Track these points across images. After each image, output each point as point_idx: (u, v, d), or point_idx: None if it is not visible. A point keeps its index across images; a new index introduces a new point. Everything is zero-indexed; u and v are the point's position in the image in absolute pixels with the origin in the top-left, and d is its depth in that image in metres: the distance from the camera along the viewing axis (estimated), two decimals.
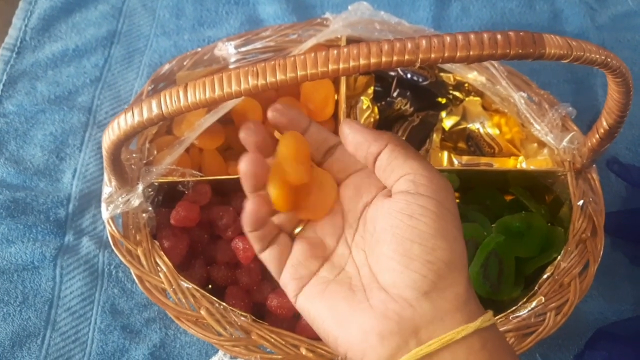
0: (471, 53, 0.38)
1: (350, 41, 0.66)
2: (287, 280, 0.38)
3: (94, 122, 0.73)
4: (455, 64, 0.65)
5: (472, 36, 0.38)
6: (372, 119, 0.66)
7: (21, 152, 0.71)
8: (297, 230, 0.39)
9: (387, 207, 0.36)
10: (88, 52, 0.78)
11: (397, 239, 0.34)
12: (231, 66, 0.66)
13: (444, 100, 0.69)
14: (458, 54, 0.38)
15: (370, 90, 0.67)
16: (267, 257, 0.38)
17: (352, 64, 0.38)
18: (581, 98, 0.78)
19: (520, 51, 0.39)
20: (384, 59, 0.38)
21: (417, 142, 0.66)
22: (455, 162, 0.66)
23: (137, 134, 0.43)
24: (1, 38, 0.78)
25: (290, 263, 0.38)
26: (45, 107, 0.74)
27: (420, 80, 0.67)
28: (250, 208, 0.37)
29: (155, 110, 0.40)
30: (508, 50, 0.39)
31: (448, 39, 0.38)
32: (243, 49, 0.66)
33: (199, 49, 0.65)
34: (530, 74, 0.69)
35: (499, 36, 0.39)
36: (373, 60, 0.38)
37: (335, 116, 0.66)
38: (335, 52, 0.38)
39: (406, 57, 0.38)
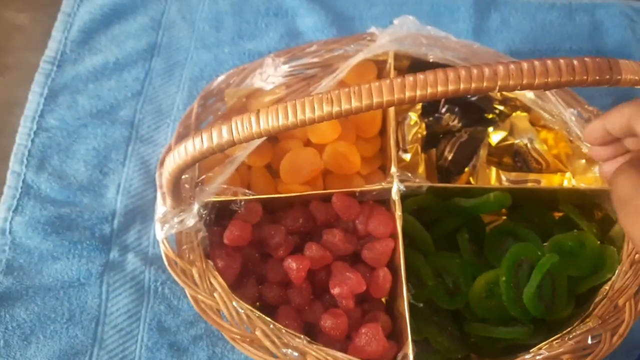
0: (549, 80, 0.38)
1: (397, 56, 0.66)
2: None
3: (137, 136, 0.73)
4: None
5: (549, 62, 0.38)
6: (419, 135, 0.66)
7: (64, 167, 0.71)
8: None
9: None
10: (128, 65, 0.78)
11: None
12: (269, 85, 0.65)
13: (491, 116, 0.68)
14: (536, 81, 0.38)
15: (419, 106, 0.66)
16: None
17: (429, 90, 0.37)
18: None
19: (597, 78, 0.38)
20: (462, 85, 0.37)
21: (465, 157, 0.66)
22: (504, 178, 0.65)
23: (203, 160, 0.43)
24: (41, 50, 0.78)
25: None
26: (87, 121, 0.74)
27: (469, 95, 0.66)
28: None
29: (226, 137, 0.40)
30: (585, 77, 0.38)
31: (525, 65, 0.38)
32: (289, 65, 0.66)
33: (246, 65, 0.65)
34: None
35: (575, 62, 0.38)
36: (451, 87, 0.37)
37: (382, 132, 0.66)
38: (411, 78, 0.38)
39: (485, 84, 0.37)
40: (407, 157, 0.64)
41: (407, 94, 0.38)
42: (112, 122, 0.74)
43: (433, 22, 0.83)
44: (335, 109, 0.39)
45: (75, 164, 0.71)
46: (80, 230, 0.67)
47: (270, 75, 0.65)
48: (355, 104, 0.38)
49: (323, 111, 0.39)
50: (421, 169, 0.65)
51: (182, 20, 0.81)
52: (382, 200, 0.61)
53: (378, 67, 0.67)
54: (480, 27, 0.83)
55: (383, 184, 0.59)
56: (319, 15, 0.81)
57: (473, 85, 0.38)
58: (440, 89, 0.38)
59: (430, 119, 0.66)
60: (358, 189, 0.59)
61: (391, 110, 0.63)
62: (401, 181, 0.59)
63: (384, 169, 0.65)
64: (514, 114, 0.68)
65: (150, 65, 0.78)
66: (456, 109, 0.66)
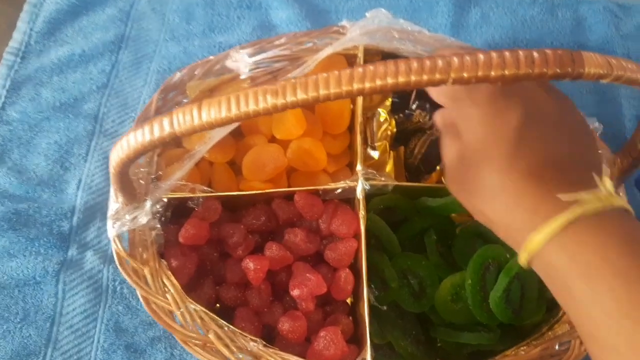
0: (506, 72, 0.35)
1: (368, 50, 0.64)
2: None
3: (100, 130, 0.71)
4: None
5: (507, 54, 0.35)
6: (389, 132, 0.63)
7: (24, 162, 0.68)
8: None
9: None
10: (95, 57, 0.75)
11: None
12: (243, 76, 0.63)
13: None
14: (492, 73, 0.35)
15: (388, 102, 0.64)
16: None
17: (378, 83, 0.35)
18: (604, 110, 0.75)
19: (558, 71, 0.36)
20: (413, 77, 0.35)
21: (435, 156, 0.63)
22: None
23: (147, 153, 0.41)
24: (5, 42, 0.75)
25: None
26: (49, 115, 0.71)
27: (423, 88, 0.64)
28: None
29: (167, 129, 0.38)
30: (545, 70, 0.36)
31: (482, 57, 0.35)
32: (256, 58, 0.64)
33: (211, 57, 0.62)
34: (553, 84, 0.66)
35: (535, 54, 0.36)
36: (401, 79, 0.35)
37: (350, 128, 0.64)
38: (360, 70, 0.35)
39: (437, 76, 0.35)
40: (375, 154, 0.62)
41: (356, 85, 0.36)
42: (75, 115, 0.71)
43: (411, 16, 0.81)
44: (280, 101, 0.36)
45: (35, 158, 0.69)
46: (37, 226, 0.64)
47: (236, 68, 0.63)
48: (301, 96, 0.36)
49: (267, 103, 0.37)
50: (389, 167, 0.62)
51: (152, 11, 0.79)
52: (348, 199, 0.59)
53: (349, 62, 0.65)
54: (459, 22, 0.81)
55: (347, 182, 0.57)
56: (292, 8, 0.78)
57: (425, 77, 0.35)
58: (390, 81, 0.35)
59: (400, 115, 0.64)
60: (321, 187, 0.57)
61: (359, 106, 0.61)
62: (366, 179, 0.56)
63: (352, 167, 0.63)
64: None
65: (117, 58, 0.76)
66: (427, 106, 0.64)
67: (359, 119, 0.60)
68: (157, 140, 0.39)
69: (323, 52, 0.62)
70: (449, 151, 0.45)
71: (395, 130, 0.64)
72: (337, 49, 0.62)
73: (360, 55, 0.63)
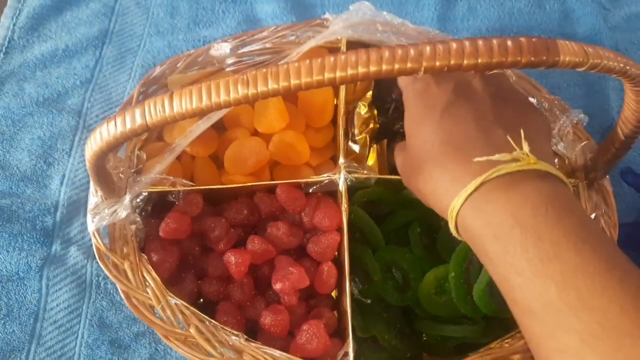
0: (479, 61, 0.35)
1: (351, 43, 0.63)
2: None
3: (84, 125, 0.70)
4: None
5: (480, 42, 0.35)
6: (371, 125, 0.63)
7: (7, 157, 0.68)
8: None
9: None
10: (78, 52, 0.75)
11: None
12: (227, 69, 0.63)
13: None
14: (465, 61, 0.35)
15: (369, 94, 0.64)
16: None
17: (349, 72, 0.35)
18: (592, 102, 0.75)
19: (532, 59, 0.36)
20: (384, 67, 0.35)
21: None
22: None
23: (121, 145, 0.40)
24: None
25: None
26: (33, 110, 0.71)
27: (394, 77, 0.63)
28: None
29: (138, 121, 0.38)
30: (519, 58, 0.36)
31: (454, 45, 0.35)
32: (239, 51, 0.63)
33: (193, 51, 0.62)
34: (539, 76, 0.66)
35: (509, 42, 0.36)
36: (372, 68, 0.35)
37: (334, 121, 0.64)
38: (332, 59, 0.35)
39: (409, 65, 0.35)
40: (356, 148, 0.62)
41: (327, 75, 0.35)
42: (59, 110, 0.71)
43: (397, 10, 0.81)
44: (252, 91, 0.36)
45: (19, 154, 0.68)
46: (21, 222, 0.64)
47: (219, 61, 0.63)
48: (272, 85, 0.36)
49: (239, 93, 0.36)
50: (372, 160, 0.62)
51: (136, 6, 0.79)
52: (331, 192, 0.58)
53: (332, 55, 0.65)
54: (445, 15, 0.80)
55: (329, 174, 0.56)
56: (277, 2, 0.78)
57: (396, 66, 0.35)
58: (361, 70, 0.35)
59: (386, 107, 0.63)
60: (303, 180, 0.57)
61: (341, 98, 0.60)
62: (349, 172, 0.56)
63: (336, 160, 0.63)
64: None
65: (101, 53, 0.75)
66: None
67: (341, 111, 0.60)
68: (129, 132, 0.38)
69: (305, 45, 0.62)
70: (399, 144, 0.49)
71: (377, 125, 0.63)
72: (320, 41, 0.62)
73: (343, 48, 0.63)
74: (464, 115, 0.42)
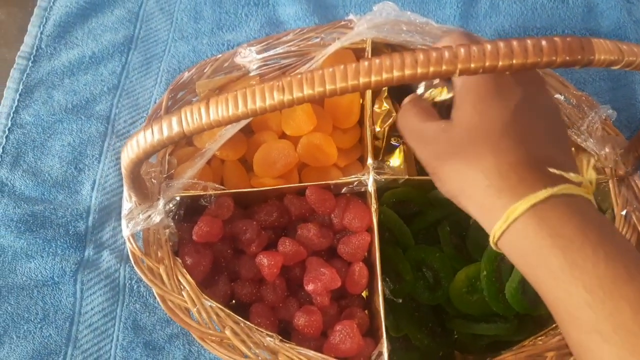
0: (514, 62, 0.35)
1: (376, 44, 0.63)
2: None
3: (113, 131, 0.72)
4: None
5: (514, 43, 0.35)
6: (391, 120, 0.63)
7: (39, 164, 0.69)
8: None
9: None
10: (105, 58, 0.76)
11: None
12: (253, 73, 0.63)
13: None
14: (500, 63, 0.35)
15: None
16: None
17: (384, 76, 0.35)
18: (618, 96, 0.74)
19: (567, 58, 0.36)
20: (419, 70, 0.35)
21: None
22: None
23: (157, 152, 0.41)
24: (16, 46, 0.76)
25: None
26: (62, 117, 0.72)
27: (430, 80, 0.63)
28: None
29: (176, 128, 0.38)
30: (554, 58, 0.36)
31: (489, 46, 0.35)
32: (264, 55, 0.64)
33: (219, 55, 0.63)
34: (564, 72, 0.66)
35: (543, 42, 0.35)
36: (407, 71, 0.35)
37: (361, 122, 0.64)
38: (366, 63, 0.35)
39: (443, 67, 0.35)
40: (377, 143, 0.62)
41: (362, 79, 0.36)
42: (87, 117, 0.72)
43: (419, 8, 0.81)
44: (287, 97, 0.36)
45: (50, 160, 0.70)
46: (54, 227, 0.65)
47: (245, 65, 0.63)
48: (307, 91, 0.36)
49: (274, 99, 0.37)
50: (400, 159, 0.62)
51: (160, 11, 0.79)
52: (359, 193, 0.59)
53: (357, 55, 0.65)
54: (468, 13, 0.80)
55: (358, 175, 0.57)
56: (300, 4, 0.78)
57: (431, 69, 0.35)
58: (396, 74, 0.35)
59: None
60: (332, 182, 0.57)
61: (368, 100, 0.61)
62: (378, 173, 0.56)
63: (363, 161, 0.63)
64: None
65: (127, 59, 0.76)
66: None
67: (368, 112, 0.60)
68: (166, 140, 0.39)
69: (331, 47, 0.62)
70: (436, 127, 0.43)
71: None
72: (345, 43, 0.62)
73: (368, 48, 0.63)
74: (542, 118, 0.41)
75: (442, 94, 0.49)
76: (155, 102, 0.73)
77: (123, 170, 0.44)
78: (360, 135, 0.64)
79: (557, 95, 0.61)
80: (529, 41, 0.35)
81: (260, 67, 0.64)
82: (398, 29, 0.64)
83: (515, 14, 0.80)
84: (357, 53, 0.65)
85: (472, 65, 0.35)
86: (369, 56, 0.63)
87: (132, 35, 0.78)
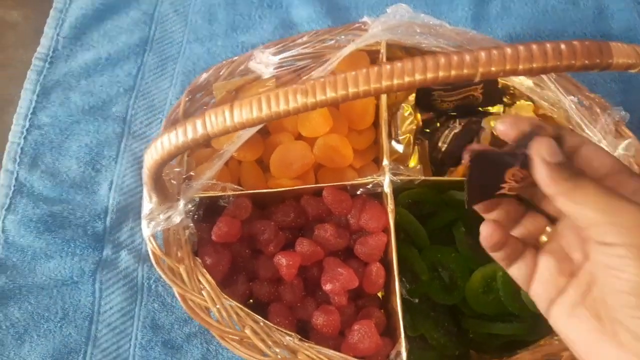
0: (534, 65, 0.36)
1: (390, 46, 0.64)
2: (535, 296, 0.37)
3: (129, 132, 0.72)
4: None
5: (534, 47, 0.36)
6: (414, 126, 0.64)
7: (57, 165, 0.70)
8: (543, 238, 0.38)
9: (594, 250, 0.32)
10: (121, 60, 0.77)
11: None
12: (268, 75, 0.64)
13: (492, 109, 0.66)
14: (520, 66, 0.36)
15: (412, 97, 0.65)
16: (514, 273, 0.38)
17: (407, 79, 0.36)
18: (630, 98, 0.75)
19: (586, 62, 0.36)
20: (441, 73, 0.36)
21: (459, 149, 0.64)
22: None
23: (180, 154, 0.42)
24: (33, 48, 0.77)
25: (539, 279, 0.37)
26: (79, 118, 0.73)
27: (451, 83, 0.64)
28: (484, 233, 0.37)
29: (200, 131, 0.39)
30: (573, 62, 0.36)
31: (509, 50, 0.36)
32: (280, 57, 0.64)
33: (235, 58, 0.63)
34: (576, 73, 0.66)
35: (562, 46, 0.36)
36: (429, 75, 0.36)
37: (375, 124, 0.64)
38: (388, 67, 0.36)
39: (465, 71, 0.35)
40: (399, 148, 0.63)
41: (384, 83, 0.36)
42: (104, 118, 0.73)
43: (431, 10, 0.81)
44: (310, 100, 0.37)
45: (67, 161, 0.70)
46: (72, 228, 0.66)
47: (260, 67, 0.64)
48: (330, 94, 0.37)
49: (298, 103, 0.37)
50: (414, 160, 0.63)
51: (175, 13, 0.80)
52: (376, 194, 0.59)
53: (371, 57, 0.66)
54: (479, 14, 0.81)
55: (375, 176, 0.57)
56: (313, 6, 0.79)
57: (453, 72, 0.36)
58: (418, 77, 0.36)
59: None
60: (349, 183, 0.58)
61: (384, 101, 0.61)
62: (394, 174, 0.57)
63: (378, 162, 0.64)
64: (517, 103, 0.66)
65: (142, 60, 0.77)
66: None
67: (383, 114, 0.61)
68: (190, 142, 0.40)
69: (346, 49, 0.63)
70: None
71: (420, 124, 0.64)
72: (360, 45, 0.63)
73: (383, 50, 0.64)
74: None
75: None
76: (170, 104, 0.74)
77: (145, 171, 0.45)
78: (375, 137, 0.65)
79: (571, 98, 0.61)
80: (548, 45, 0.36)
81: (275, 69, 0.64)
82: (412, 31, 0.64)
83: (526, 16, 0.81)
84: (371, 55, 0.66)
85: (493, 69, 0.36)
86: (384, 58, 0.64)
87: (147, 37, 0.79)
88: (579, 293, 0.35)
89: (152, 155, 0.42)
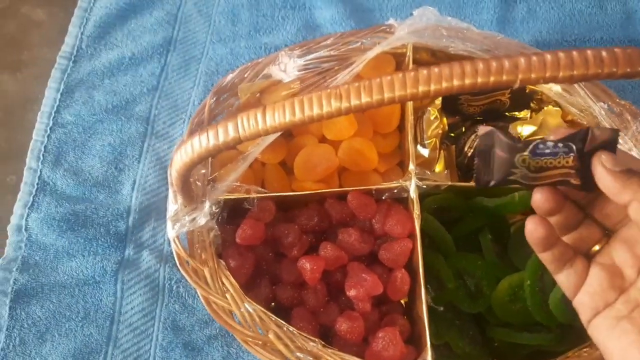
0: (575, 73, 0.35)
1: (416, 48, 0.63)
2: (580, 305, 0.37)
3: (152, 132, 0.72)
4: None
5: (574, 54, 0.35)
6: (440, 130, 0.63)
7: (80, 164, 0.70)
8: (595, 248, 0.38)
9: None
10: (144, 60, 0.77)
11: None
12: (292, 77, 0.63)
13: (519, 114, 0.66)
14: (560, 73, 0.35)
15: (438, 101, 0.64)
16: (562, 280, 0.38)
17: (444, 85, 0.35)
18: None
19: (628, 70, 0.35)
20: (479, 79, 0.35)
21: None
22: None
23: (211, 157, 0.41)
24: (57, 46, 0.77)
25: (587, 290, 0.36)
26: (103, 117, 0.73)
27: (488, 90, 0.63)
28: (529, 227, 0.36)
29: (232, 134, 0.39)
30: (615, 69, 0.35)
31: (549, 57, 0.35)
32: (304, 59, 0.64)
33: (260, 59, 0.63)
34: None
35: (604, 53, 0.35)
36: (467, 81, 0.35)
37: (400, 127, 0.64)
38: (425, 72, 0.35)
39: (504, 77, 0.35)
40: (425, 152, 0.62)
41: (421, 88, 0.35)
42: (127, 117, 0.73)
43: (456, 13, 0.81)
44: (345, 104, 0.37)
45: (90, 160, 0.70)
46: (95, 227, 0.66)
47: (285, 69, 0.63)
48: (365, 99, 0.36)
49: (332, 107, 0.37)
50: (440, 165, 0.62)
51: (198, 14, 0.80)
52: (400, 199, 0.59)
53: (396, 60, 0.65)
54: (505, 18, 0.80)
55: (400, 181, 0.57)
56: (337, 8, 0.79)
57: (492, 78, 0.35)
58: (456, 83, 0.35)
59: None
60: (374, 187, 0.57)
61: (409, 104, 0.61)
62: (420, 179, 0.56)
63: (403, 166, 0.63)
64: (545, 109, 0.65)
65: (166, 60, 0.77)
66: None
67: (409, 118, 0.60)
68: (222, 145, 0.39)
69: (372, 51, 0.62)
70: None
71: (446, 128, 0.64)
72: (386, 48, 0.62)
73: (409, 53, 0.63)
74: None
75: None
76: (193, 104, 0.74)
77: (174, 173, 0.44)
78: (399, 141, 0.64)
79: (601, 104, 0.60)
80: (589, 52, 0.35)
81: (300, 71, 0.64)
82: (439, 34, 0.63)
83: (552, 20, 0.80)
84: (397, 58, 0.65)
85: (533, 76, 0.35)
86: (410, 61, 0.63)
87: (171, 37, 0.79)
88: (628, 308, 0.34)
89: (181, 157, 0.42)
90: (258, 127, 0.38)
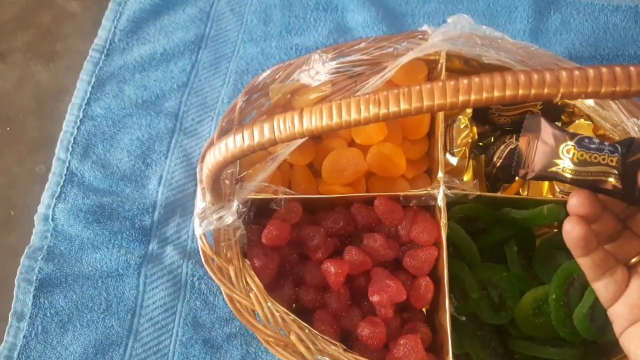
0: (617, 89, 0.34)
1: (449, 56, 0.63)
2: (615, 314, 0.37)
3: (180, 128, 0.73)
4: None
5: (617, 69, 0.34)
6: (469, 139, 0.63)
7: (108, 156, 0.71)
8: (634, 259, 0.37)
9: None
10: (175, 56, 0.77)
11: None
12: (324, 79, 0.63)
13: None
14: (603, 89, 0.34)
15: (469, 109, 0.64)
16: (600, 289, 0.37)
17: (485, 95, 0.35)
18: None
19: None
20: (520, 91, 0.35)
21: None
22: (558, 189, 0.62)
23: (245, 157, 0.41)
24: (91, 39, 0.78)
25: (626, 301, 0.36)
26: (132, 111, 0.74)
27: (527, 102, 0.63)
28: (566, 227, 0.36)
29: (267, 135, 0.39)
30: None
31: (591, 72, 0.34)
32: (336, 62, 0.64)
33: (292, 60, 0.63)
34: None
35: None
36: (508, 92, 0.35)
37: (430, 134, 0.63)
38: (465, 81, 0.35)
39: (546, 90, 0.35)
40: (454, 160, 0.62)
41: (461, 97, 0.35)
42: (157, 113, 0.73)
43: (489, 21, 0.80)
44: (383, 110, 0.36)
45: (118, 153, 0.71)
46: (120, 220, 0.67)
47: (317, 72, 0.63)
48: (404, 106, 0.36)
49: (369, 113, 0.37)
50: (469, 175, 0.62)
51: (231, 12, 0.80)
52: (427, 206, 0.59)
53: (429, 67, 0.65)
54: (538, 28, 0.79)
55: (429, 189, 0.56)
56: (369, 11, 0.78)
57: (533, 91, 0.35)
58: (496, 94, 0.35)
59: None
60: (402, 193, 0.57)
61: (440, 113, 0.60)
62: (448, 187, 0.56)
63: (430, 173, 0.63)
64: (576, 122, 0.64)
65: (197, 57, 0.77)
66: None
67: (439, 125, 0.60)
68: (256, 146, 0.39)
69: (405, 57, 0.62)
70: None
71: (476, 137, 0.63)
72: (419, 54, 0.62)
73: (442, 61, 0.63)
74: None
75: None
76: (223, 102, 0.74)
77: (206, 171, 0.45)
78: (428, 147, 0.64)
79: (634, 120, 0.60)
80: (632, 68, 0.35)
81: (332, 74, 0.64)
82: (473, 42, 0.63)
83: (586, 32, 0.79)
84: (429, 64, 0.65)
85: (575, 90, 0.34)
86: (443, 68, 0.63)
87: (203, 34, 0.79)
88: None
89: (215, 156, 0.42)
90: (294, 129, 0.38)
